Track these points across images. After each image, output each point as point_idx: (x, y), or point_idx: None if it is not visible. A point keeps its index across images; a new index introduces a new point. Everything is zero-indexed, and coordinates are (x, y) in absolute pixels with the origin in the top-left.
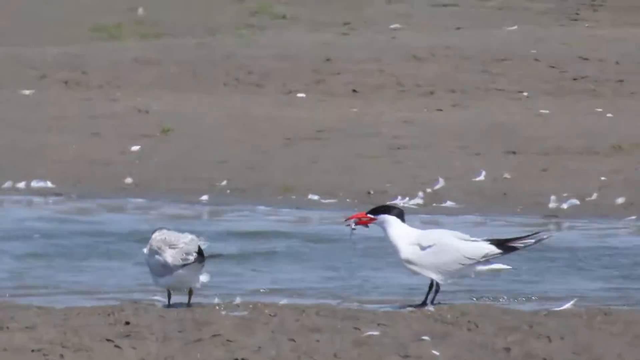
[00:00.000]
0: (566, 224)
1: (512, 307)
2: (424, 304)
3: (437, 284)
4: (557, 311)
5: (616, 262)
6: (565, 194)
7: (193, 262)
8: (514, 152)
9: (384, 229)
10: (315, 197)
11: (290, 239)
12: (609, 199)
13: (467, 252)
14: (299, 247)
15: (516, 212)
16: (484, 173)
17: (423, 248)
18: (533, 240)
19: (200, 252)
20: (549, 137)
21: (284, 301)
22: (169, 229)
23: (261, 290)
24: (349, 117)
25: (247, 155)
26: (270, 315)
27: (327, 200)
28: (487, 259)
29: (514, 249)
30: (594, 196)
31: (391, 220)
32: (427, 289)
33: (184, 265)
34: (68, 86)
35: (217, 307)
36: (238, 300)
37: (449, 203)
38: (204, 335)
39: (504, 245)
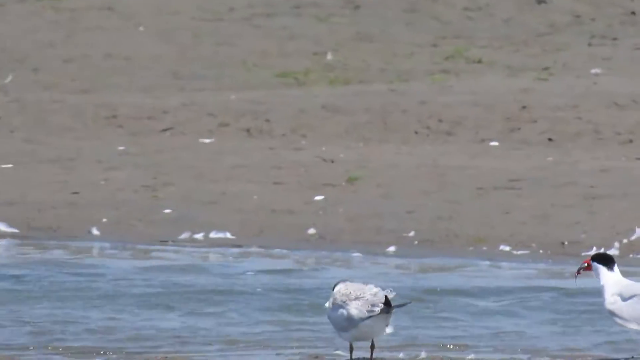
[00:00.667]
0: None
1: None
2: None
3: None
4: None
5: None
6: None
7: (379, 314)
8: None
9: (596, 275)
10: (507, 248)
11: (473, 295)
12: None
13: None
14: (490, 301)
15: None
16: None
17: (624, 299)
18: None
19: (387, 303)
20: None
21: (471, 356)
22: (352, 281)
23: (449, 346)
24: (543, 166)
25: (437, 205)
26: None
27: (519, 252)
28: None
29: None
30: None
31: (601, 269)
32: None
33: (370, 317)
34: (250, 134)
35: None
36: (423, 354)
37: None
38: None
39: None
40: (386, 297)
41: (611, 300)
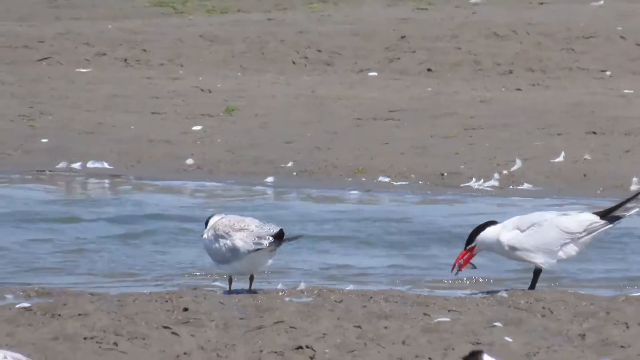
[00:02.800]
0: None
1: (589, 293)
2: (532, 287)
3: (540, 268)
4: (635, 297)
5: None
6: None
7: (267, 247)
8: (595, 133)
9: (489, 245)
10: (386, 179)
11: (359, 223)
12: None
13: (568, 227)
14: (368, 231)
15: (596, 195)
16: (563, 154)
17: (523, 230)
18: (637, 205)
19: (279, 236)
20: (632, 118)
21: (350, 287)
22: (227, 214)
23: (327, 275)
24: (422, 97)
25: (315, 136)
26: (335, 301)
27: (399, 183)
28: (591, 231)
29: (618, 218)
30: None
31: (487, 231)
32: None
33: (256, 250)
34: (127, 64)
35: (280, 293)
36: (302, 285)
37: (525, 185)
38: (265, 322)
39: (608, 216)
40: (281, 229)
41: (509, 236)
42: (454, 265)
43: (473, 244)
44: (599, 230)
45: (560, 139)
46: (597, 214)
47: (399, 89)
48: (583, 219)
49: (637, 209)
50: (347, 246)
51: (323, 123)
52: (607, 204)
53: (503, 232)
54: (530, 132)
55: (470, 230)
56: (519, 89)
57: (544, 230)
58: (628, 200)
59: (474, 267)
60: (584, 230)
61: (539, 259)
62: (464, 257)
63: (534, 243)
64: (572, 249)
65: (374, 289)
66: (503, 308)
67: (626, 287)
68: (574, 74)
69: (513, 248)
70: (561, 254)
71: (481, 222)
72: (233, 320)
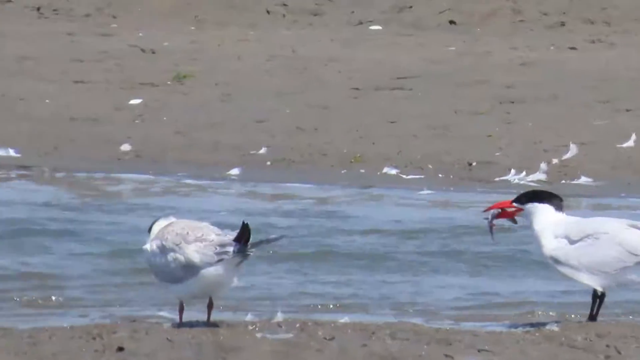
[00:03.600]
0: None
1: None
2: (592, 318)
3: (599, 293)
4: None
5: None
6: None
7: (233, 258)
8: None
9: (531, 222)
10: (394, 172)
11: (357, 233)
12: None
13: (635, 246)
14: (368, 245)
15: None
16: (634, 137)
17: (572, 242)
18: None
19: (245, 239)
20: None
21: (345, 319)
22: (178, 218)
23: (313, 303)
24: (443, 59)
25: (297, 111)
26: (325, 338)
27: (410, 176)
28: None
29: None
30: None
31: (544, 210)
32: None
33: (218, 262)
34: (41, 14)
35: (250, 327)
36: (279, 316)
37: (583, 179)
38: None
39: None
40: (246, 228)
41: (554, 244)
42: (490, 208)
43: (521, 208)
44: None
45: (629, 117)
46: None
47: (410, 48)
48: None
49: None
50: (340, 265)
51: (307, 94)
52: None
53: (547, 235)
54: (589, 106)
55: (527, 195)
56: (573, 48)
57: (601, 246)
58: None
59: (515, 222)
60: None
61: (591, 282)
62: (505, 209)
63: (585, 261)
64: (636, 275)
65: (378, 320)
66: (553, 347)
67: None
68: None
69: (556, 261)
70: (620, 279)
71: (545, 191)
72: None
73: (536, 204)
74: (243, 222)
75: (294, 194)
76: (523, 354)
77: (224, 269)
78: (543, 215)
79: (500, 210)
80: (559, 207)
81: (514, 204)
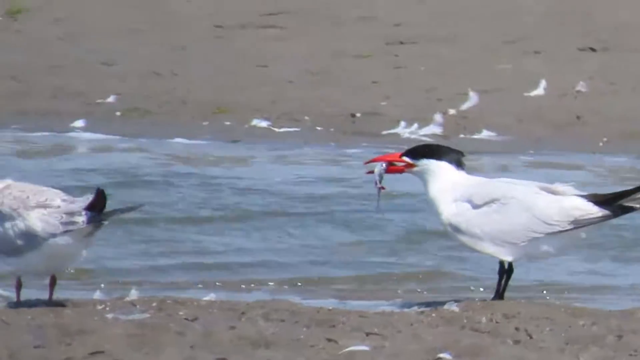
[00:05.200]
0: None
1: (589, 306)
2: (498, 296)
3: (506, 265)
4: None
5: None
6: None
7: (84, 227)
8: (594, 50)
9: (425, 182)
10: (264, 124)
11: (220, 193)
12: None
13: (546, 214)
14: (237, 207)
15: (598, 148)
16: (544, 84)
17: (475, 206)
18: None
19: (99, 207)
20: None
21: (211, 296)
22: (17, 182)
23: (172, 278)
24: None
25: (151, 52)
26: (187, 319)
27: (283, 129)
28: (579, 225)
29: (627, 209)
30: None
31: (441, 169)
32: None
33: (66, 233)
34: None
35: (99, 307)
36: (134, 294)
37: (485, 133)
38: (76, 353)
39: (610, 205)
40: (101, 195)
41: (453, 209)
42: (374, 160)
43: (413, 164)
44: (594, 224)
45: (540, 60)
46: (591, 198)
47: None
48: (571, 206)
49: None
50: (204, 230)
51: (163, 32)
52: (614, 162)
53: (445, 198)
54: (491, 48)
55: (420, 149)
56: None
57: (509, 212)
58: None
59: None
60: (571, 223)
61: (496, 253)
62: (394, 163)
63: (490, 229)
64: (548, 246)
65: (248, 299)
66: (453, 330)
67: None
68: None
69: (456, 229)
70: (530, 250)
71: (442, 145)
72: (24, 350)
73: (432, 161)
74: (98, 189)
75: (148, 149)
76: (417, 338)
77: (72, 241)
78: (440, 174)
79: (386, 164)
80: (460, 165)
81: (405, 158)
